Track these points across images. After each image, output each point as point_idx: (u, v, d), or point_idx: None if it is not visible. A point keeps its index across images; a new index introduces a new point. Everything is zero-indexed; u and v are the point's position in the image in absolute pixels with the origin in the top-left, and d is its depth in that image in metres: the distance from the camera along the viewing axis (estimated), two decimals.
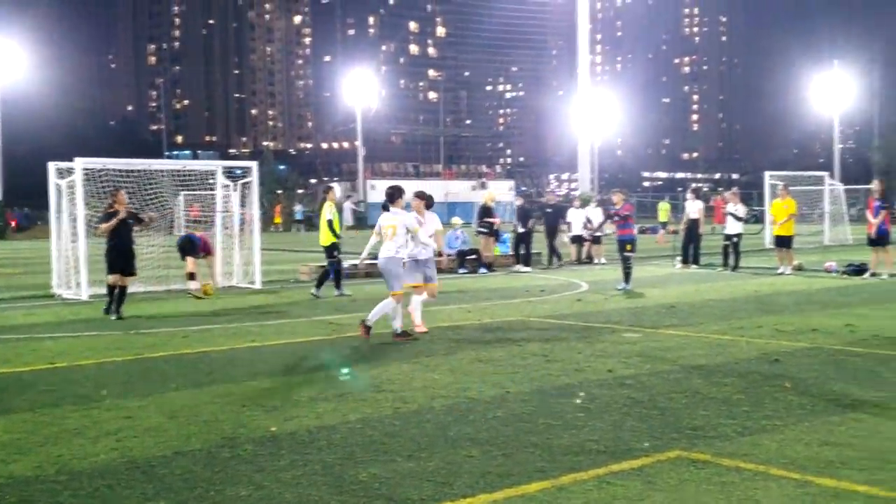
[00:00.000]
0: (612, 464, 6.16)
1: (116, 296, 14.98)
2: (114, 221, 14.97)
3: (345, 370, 9.73)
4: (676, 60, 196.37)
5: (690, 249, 24.46)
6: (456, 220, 26.72)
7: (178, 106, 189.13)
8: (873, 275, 20.30)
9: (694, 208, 24.87)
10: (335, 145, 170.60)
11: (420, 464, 6.25)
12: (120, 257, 15.08)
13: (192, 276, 18.68)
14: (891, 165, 68.36)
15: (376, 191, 71.59)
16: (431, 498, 5.53)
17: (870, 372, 9.23)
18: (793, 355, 10.30)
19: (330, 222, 17.80)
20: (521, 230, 24.85)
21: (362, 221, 58.42)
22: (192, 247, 18.88)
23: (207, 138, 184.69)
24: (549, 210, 26.80)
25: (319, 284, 17.98)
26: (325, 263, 18.52)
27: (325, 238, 17.92)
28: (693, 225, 24.45)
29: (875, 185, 21.74)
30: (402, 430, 7.16)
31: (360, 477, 5.99)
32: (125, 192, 16.47)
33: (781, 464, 6.12)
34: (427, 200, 13.64)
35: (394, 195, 12.32)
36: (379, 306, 11.98)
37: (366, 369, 9.80)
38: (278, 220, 60.67)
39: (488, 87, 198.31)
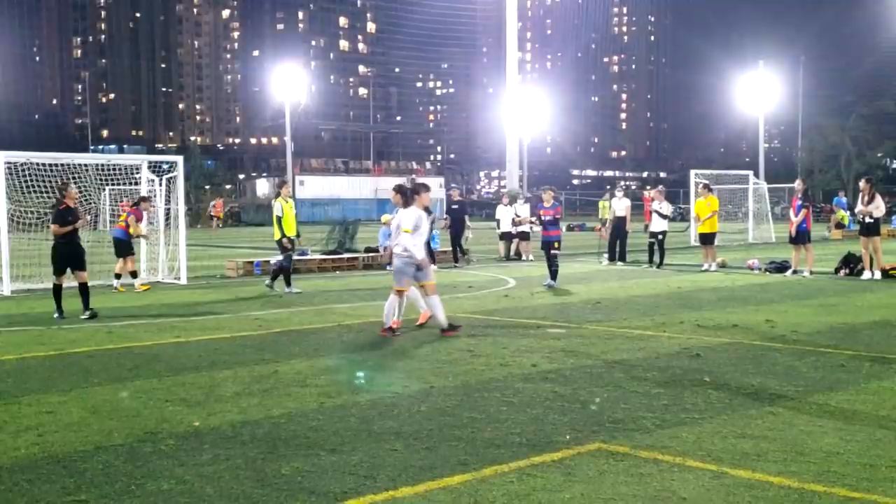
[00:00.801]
0: (534, 456, 6.24)
1: (81, 293, 14.11)
2: (69, 229, 13.91)
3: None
4: (605, 59, 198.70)
5: (617, 246, 24.84)
6: (386, 217, 26.63)
7: (103, 100, 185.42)
8: (795, 272, 20.82)
9: (621, 206, 25.26)
10: (264, 140, 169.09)
11: (343, 457, 6.25)
12: (70, 258, 14.03)
13: (134, 274, 18.63)
14: (814, 164, 70.32)
15: (305, 187, 71.17)
16: (354, 491, 5.54)
17: (787, 367, 9.47)
18: (713, 350, 10.52)
19: (279, 218, 17.43)
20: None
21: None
22: (130, 244, 18.71)
23: (134, 133, 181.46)
24: (454, 206, 26.38)
25: (273, 278, 17.79)
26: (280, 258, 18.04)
27: (276, 233, 17.60)
28: (620, 222, 24.86)
29: (797, 185, 22.29)
30: (325, 425, 7.15)
31: (282, 471, 5.98)
32: (74, 186, 15.79)
33: (698, 456, 6.25)
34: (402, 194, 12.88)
35: (412, 192, 12.09)
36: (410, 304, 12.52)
37: (291, 364, 9.75)
38: (220, 215, 60.00)
39: (419, 84, 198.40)
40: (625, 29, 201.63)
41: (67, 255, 14.00)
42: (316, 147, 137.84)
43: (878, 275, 19.33)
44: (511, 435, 6.79)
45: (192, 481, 5.78)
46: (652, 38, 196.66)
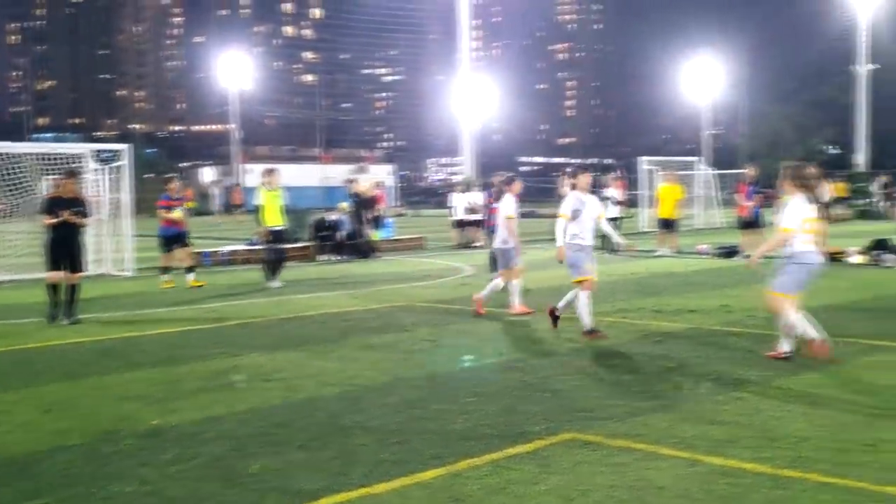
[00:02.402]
0: (507, 448, 6.15)
1: (68, 296, 12.55)
2: (53, 221, 12.40)
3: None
4: (551, 47, 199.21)
5: None
6: (343, 205, 26.29)
7: (41, 87, 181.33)
8: (746, 257, 21.00)
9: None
10: (208, 128, 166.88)
11: (313, 454, 6.11)
12: (60, 254, 12.53)
13: None
14: (757, 151, 71.25)
15: (253, 174, 70.23)
16: (327, 489, 5.41)
17: (747, 351, 9.51)
18: (674, 336, 10.54)
19: (258, 207, 16.67)
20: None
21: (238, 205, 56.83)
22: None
23: (73, 121, 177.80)
24: (357, 200, 25.02)
25: (272, 272, 16.81)
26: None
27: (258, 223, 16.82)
28: None
29: (749, 170, 22.49)
30: (292, 420, 6.99)
31: (250, 469, 5.82)
32: (75, 177, 13.38)
33: (671, 443, 6.22)
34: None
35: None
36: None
37: (252, 358, 9.56)
38: (192, 204, 58.36)
39: (366, 71, 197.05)
40: (570, 17, 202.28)
41: (57, 251, 12.52)
42: (262, 134, 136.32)
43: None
44: (482, 426, 6.70)
45: (157, 482, 5.60)
46: (597, 26, 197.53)
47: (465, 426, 6.72)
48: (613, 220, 23.38)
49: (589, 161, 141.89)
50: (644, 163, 32.95)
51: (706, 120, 58.95)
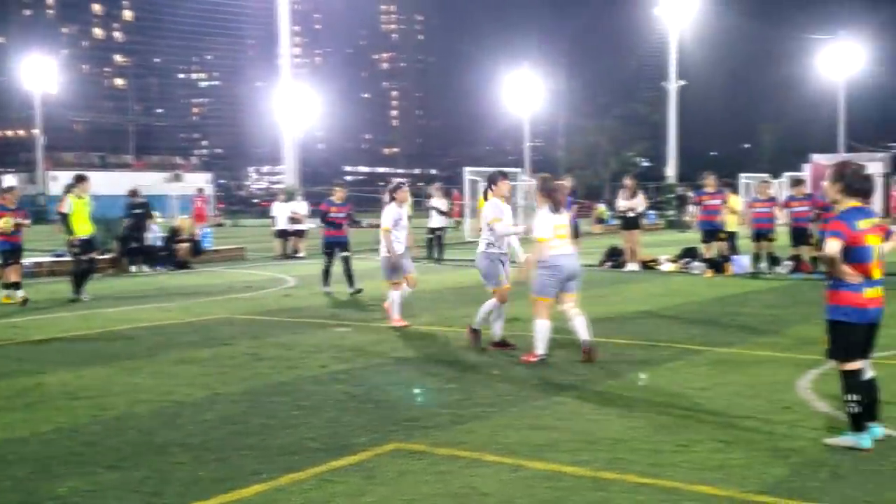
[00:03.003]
0: (331, 461, 6.03)
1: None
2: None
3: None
4: (375, 56, 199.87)
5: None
6: (182, 219, 25.20)
7: None
8: None
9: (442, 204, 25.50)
10: (10, 133, 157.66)
11: (125, 474, 5.79)
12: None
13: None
14: (575, 163, 73.91)
15: (59, 182, 66.82)
16: None
17: (568, 358, 9.73)
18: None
19: (64, 216, 15.56)
20: None
21: (43, 214, 54.04)
22: None
23: None
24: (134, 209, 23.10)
25: (79, 284, 15.73)
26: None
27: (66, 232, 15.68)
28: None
29: (565, 181, 23.10)
30: (102, 439, 6.62)
31: (58, 491, 5.46)
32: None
33: (495, 450, 6.27)
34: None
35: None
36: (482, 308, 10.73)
37: (57, 375, 9.00)
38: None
39: (181, 75, 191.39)
40: (393, 27, 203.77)
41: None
42: (70, 139, 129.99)
43: (637, 266, 20.44)
44: (306, 440, 6.55)
45: None
46: (420, 36, 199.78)
47: (288, 440, 6.55)
48: (437, 230, 23.67)
49: (414, 171, 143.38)
50: (468, 173, 33.44)
51: (527, 132, 60.60)
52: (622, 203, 21.38)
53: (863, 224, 6.20)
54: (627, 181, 21.68)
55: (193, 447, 6.39)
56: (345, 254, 16.37)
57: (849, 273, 6.10)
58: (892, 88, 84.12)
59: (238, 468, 5.89)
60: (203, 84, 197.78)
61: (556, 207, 9.60)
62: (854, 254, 6.14)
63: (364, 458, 6.11)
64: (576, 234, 21.44)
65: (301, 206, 26.98)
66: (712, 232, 19.46)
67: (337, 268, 16.21)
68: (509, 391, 8.10)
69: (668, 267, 20.43)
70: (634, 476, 5.68)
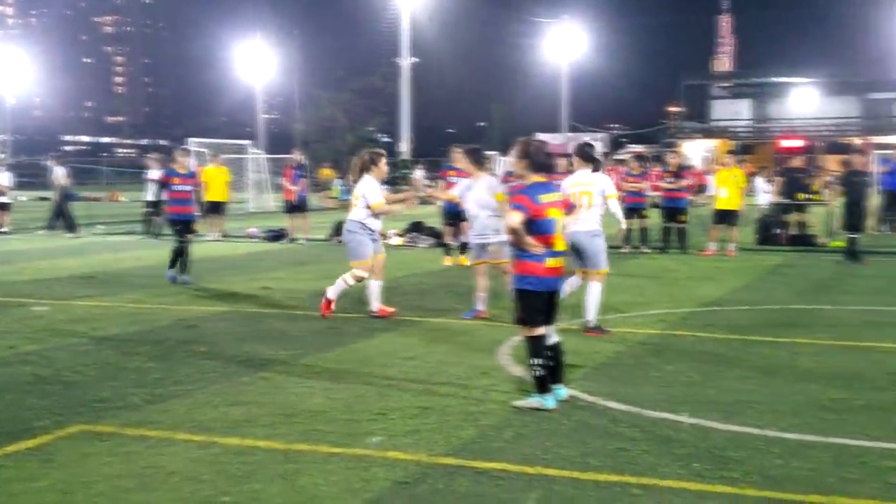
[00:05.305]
0: (6, 446, 5.66)
1: None
2: None
3: None
4: (97, 19, 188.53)
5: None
6: None
7: None
8: (292, 240, 21.51)
9: (60, 173, 24.43)
10: None
11: None
12: None
13: None
14: (311, 136, 73.42)
15: None
16: None
17: (279, 331, 9.68)
18: (210, 320, 10.43)
19: None
20: None
21: None
22: None
23: None
24: None
25: None
26: None
27: None
28: (62, 191, 24.16)
29: (295, 155, 22.96)
30: None
31: None
32: None
33: (188, 428, 6.11)
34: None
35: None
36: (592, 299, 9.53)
37: None
38: None
39: None
40: None
41: None
42: None
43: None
44: None
45: None
46: (146, 0, 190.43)
47: None
48: (154, 203, 22.77)
49: (141, 142, 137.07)
50: (194, 144, 32.38)
51: (261, 104, 59.54)
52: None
53: (545, 198, 6.55)
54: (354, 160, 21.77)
55: None
56: (188, 234, 14.13)
57: (532, 244, 6.43)
58: (612, 72, 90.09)
59: None
60: None
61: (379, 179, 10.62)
62: (537, 226, 6.48)
63: (44, 441, 5.77)
64: (303, 208, 21.54)
65: (4, 177, 25.11)
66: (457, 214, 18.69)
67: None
68: (214, 367, 7.92)
69: (396, 241, 20.80)
70: (327, 446, 5.72)
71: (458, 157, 16.25)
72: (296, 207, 21.77)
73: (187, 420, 6.30)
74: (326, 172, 42.83)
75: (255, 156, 37.43)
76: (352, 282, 10.54)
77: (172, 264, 13.81)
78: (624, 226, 10.67)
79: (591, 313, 9.44)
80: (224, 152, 36.26)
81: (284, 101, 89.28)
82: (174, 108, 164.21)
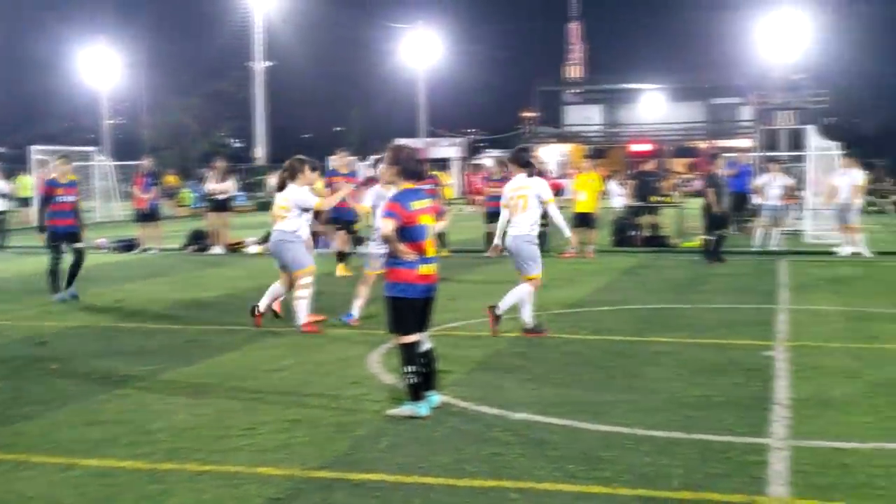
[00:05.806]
0: None
1: None
2: None
3: None
4: None
5: None
6: None
7: None
8: (144, 250, 20.75)
9: None
10: None
11: None
12: None
13: None
14: (160, 142, 71.21)
15: None
16: None
17: (136, 346, 9.31)
18: (61, 336, 9.95)
19: None
20: None
21: None
22: None
23: None
24: None
25: None
26: None
27: None
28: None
29: (145, 162, 22.23)
30: None
31: None
32: None
33: (46, 450, 5.80)
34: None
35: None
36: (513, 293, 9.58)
37: None
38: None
39: None
40: None
41: None
42: None
43: (222, 250, 20.14)
44: None
45: None
46: None
47: None
48: (1, 213, 21.66)
49: None
50: (35, 152, 30.92)
51: (106, 109, 57.45)
52: (211, 186, 20.91)
53: (416, 205, 6.51)
54: (217, 164, 21.25)
55: None
56: (77, 245, 13.00)
57: (405, 251, 6.38)
58: (469, 77, 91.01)
59: None
60: None
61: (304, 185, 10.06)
62: (409, 233, 6.43)
63: None
64: (155, 217, 20.85)
65: None
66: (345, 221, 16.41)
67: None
68: (68, 386, 7.53)
69: (255, 249, 20.35)
70: (195, 464, 5.51)
71: (342, 162, 17.00)
72: (147, 216, 21.09)
73: (44, 442, 5.96)
74: (171, 179, 41.40)
75: (102, 163, 35.99)
76: (305, 293, 10.05)
77: (69, 283, 12.79)
78: (567, 234, 10.62)
79: (525, 313, 9.62)
80: (70, 160, 34.79)
81: (131, 106, 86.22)
82: (10, 113, 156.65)
